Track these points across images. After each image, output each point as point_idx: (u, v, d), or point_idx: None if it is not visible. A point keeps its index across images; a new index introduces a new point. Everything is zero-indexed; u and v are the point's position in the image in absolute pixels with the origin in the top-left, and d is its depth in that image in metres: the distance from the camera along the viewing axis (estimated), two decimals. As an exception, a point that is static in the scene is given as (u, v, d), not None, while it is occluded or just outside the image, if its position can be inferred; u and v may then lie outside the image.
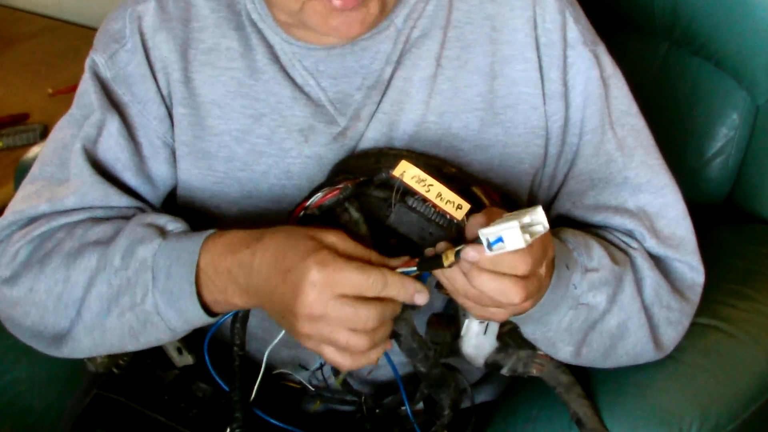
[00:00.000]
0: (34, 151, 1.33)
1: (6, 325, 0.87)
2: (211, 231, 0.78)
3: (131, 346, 0.82)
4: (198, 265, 0.76)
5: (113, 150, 0.86)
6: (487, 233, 0.65)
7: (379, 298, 0.70)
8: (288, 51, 0.86)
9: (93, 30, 2.22)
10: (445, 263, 0.69)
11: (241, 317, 0.81)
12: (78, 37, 2.04)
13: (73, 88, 1.90)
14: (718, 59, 1.12)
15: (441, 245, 0.71)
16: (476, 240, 0.67)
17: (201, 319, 0.78)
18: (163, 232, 0.79)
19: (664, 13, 1.15)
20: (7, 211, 0.87)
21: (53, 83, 1.86)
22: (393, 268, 0.71)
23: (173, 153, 0.88)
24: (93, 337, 0.81)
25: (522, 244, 0.64)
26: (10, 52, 2.02)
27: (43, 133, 1.70)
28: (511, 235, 0.64)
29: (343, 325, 0.70)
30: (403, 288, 0.70)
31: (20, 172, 1.31)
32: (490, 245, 0.65)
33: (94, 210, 0.85)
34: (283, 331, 0.77)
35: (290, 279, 0.70)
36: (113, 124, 0.86)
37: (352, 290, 0.69)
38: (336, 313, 0.69)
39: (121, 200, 0.85)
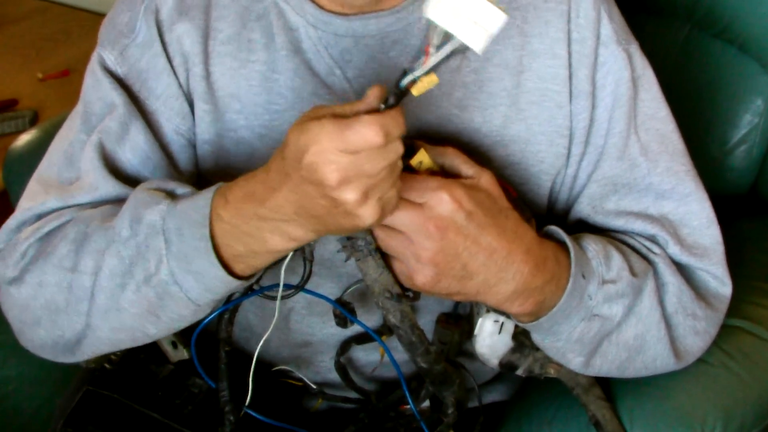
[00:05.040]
0: (23, 138, 1.29)
1: (21, 340, 0.83)
2: (219, 184, 0.73)
3: (153, 328, 0.76)
4: (211, 220, 0.70)
5: (143, 148, 0.83)
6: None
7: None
8: (314, 36, 0.82)
9: (85, 12, 2.21)
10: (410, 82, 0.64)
11: (230, 311, 0.78)
12: (69, 19, 2.03)
13: (65, 73, 1.89)
14: (742, 42, 1.11)
15: None
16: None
17: (222, 282, 0.72)
18: (170, 195, 0.75)
19: (685, -6, 1.15)
20: (15, 212, 0.83)
21: (43, 68, 1.84)
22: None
23: (195, 150, 0.85)
24: (110, 321, 0.76)
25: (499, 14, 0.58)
26: (-1, 35, 2.00)
27: (33, 120, 1.68)
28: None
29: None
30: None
31: (9, 160, 1.28)
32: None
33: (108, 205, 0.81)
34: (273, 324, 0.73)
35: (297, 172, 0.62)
36: (139, 122, 0.82)
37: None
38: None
39: None
